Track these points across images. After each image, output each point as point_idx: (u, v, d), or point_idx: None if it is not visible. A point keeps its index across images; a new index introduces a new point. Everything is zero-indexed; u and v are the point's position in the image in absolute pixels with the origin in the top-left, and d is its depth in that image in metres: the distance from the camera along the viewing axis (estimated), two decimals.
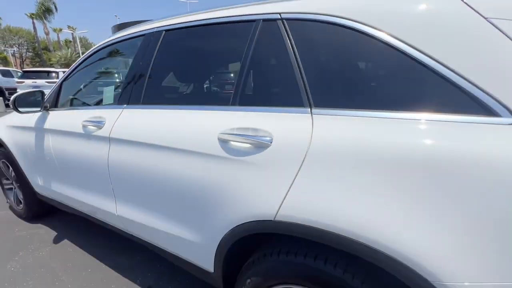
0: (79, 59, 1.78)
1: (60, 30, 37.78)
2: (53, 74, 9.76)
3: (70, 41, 40.25)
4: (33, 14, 31.57)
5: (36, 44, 38.31)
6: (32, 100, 1.79)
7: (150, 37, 1.37)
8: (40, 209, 2.36)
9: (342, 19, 0.85)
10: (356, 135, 0.77)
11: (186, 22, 1.26)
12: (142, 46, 1.40)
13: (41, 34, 36.81)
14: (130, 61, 1.50)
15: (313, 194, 0.80)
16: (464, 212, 0.62)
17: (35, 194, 2.21)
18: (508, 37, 0.64)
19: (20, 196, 2.35)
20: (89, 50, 1.71)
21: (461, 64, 0.68)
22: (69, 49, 29.26)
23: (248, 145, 0.93)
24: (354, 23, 0.83)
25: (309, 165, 0.81)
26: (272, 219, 0.86)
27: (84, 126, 1.49)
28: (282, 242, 0.95)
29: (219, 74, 1.93)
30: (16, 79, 10.38)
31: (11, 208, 2.57)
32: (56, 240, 2.12)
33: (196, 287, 1.63)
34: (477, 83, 0.65)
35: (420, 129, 0.71)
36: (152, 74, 1.33)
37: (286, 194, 0.84)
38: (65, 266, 1.81)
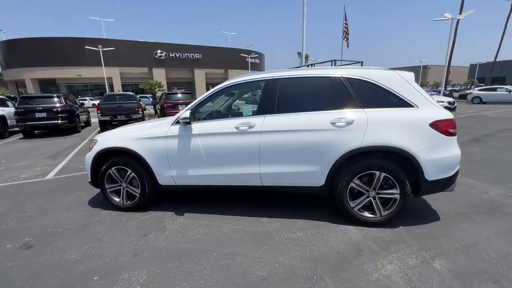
0: (208, 92, 3.00)
1: None
2: None
3: None
4: None
5: None
6: None
7: (270, 81, 2.82)
8: (154, 199, 3.22)
9: (362, 77, 2.62)
10: (382, 115, 2.51)
11: (293, 75, 2.81)
12: (267, 85, 2.83)
13: None
14: (245, 93, 2.89)
15: (373, 135, 2.48)
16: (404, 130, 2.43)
17: (156, 187, 3.12)
18: (409, 83, 2.52)
19: (137, 192, 3.15)
20: (217, 88, 2.97)
21: (399, 90, 2.52)
22: None
23: (343, 123, 2.55)
24: (367, 79, 2.60)
25: (368, 126, 2.50)
26: (359, 147, 2.49)
27: (237, 128, 2.77)
28: (360, 158, 2.58)
29: (316, 96, 2.92)
30: None
31: (116, 205, 3.25)
32: (179, 213, 3.09)
33: (297, 212, 3.03)
34: (404, 96, 2.50)
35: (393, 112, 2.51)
36: (279, 96, 2.78)
37: (363, 137, 2.49)
38: (205, 221, 2.90)
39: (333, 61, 10.03)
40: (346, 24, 22.26)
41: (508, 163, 4.79)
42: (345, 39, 22.05)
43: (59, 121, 9.69)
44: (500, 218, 2.77)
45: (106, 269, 2.16)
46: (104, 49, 25.08)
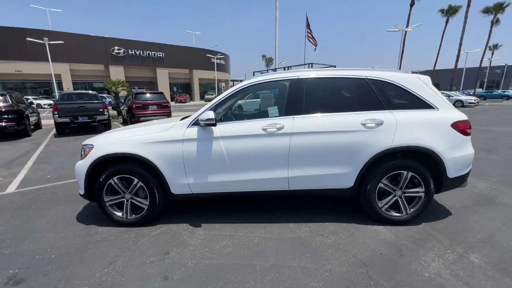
0: (225, 93, 2.76)
1: None
2: None
3: None
4: None
5: None
6: None
7: (295, 81, 2.72)
8: (161, 211, 2.85)
9: (387, 80, 2.68)
10: (409, 116, 2.58)
11: (318, 76, 2.74)
12: (292, 84, 2.71)
13: None
14: (264, 92, 2.74)
15: (402, 136, 2.53)
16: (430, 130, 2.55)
17: (167, 197, 2.77)
18: (428, 86, 2.65)
19: (145, 203, 2.76)
20: (238, 87, 2.75)
21: (421, 92, 2.63)
22: None
23: (374, 124, 2.56)
24: (392, 81, 2.67)
25: (397, 127, 2.55)
26: (390, 147, 2.53)
27: (264, 129, 2.59)
28: (389, 158, 2.61)
29: (343, 97, 2.90)
30: None
31: (116, 221, 2.80)
32: (195, 224, 2.79)
33: (320, 215, 2.96)
34: (426, 98, 2.62)
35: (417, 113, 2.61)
36: (306, 97, 2.68)
37: (393, 138, 2.53)
38: (228, 232, 2.67)
39: (310, 64, 10.35)
40: (309, 31, 23.20)
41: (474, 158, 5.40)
42: (314, 44, 22.93)
43: (4, 124, 8.25)
44: (498, 209, 3.07)
45: None
46: (51, 42, 22.21)
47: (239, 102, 3.16)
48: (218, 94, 33.22)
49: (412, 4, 30.08)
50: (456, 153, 2.63)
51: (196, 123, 2.67)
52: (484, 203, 3.26)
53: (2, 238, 2.63)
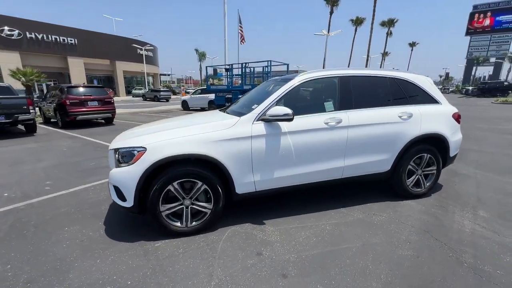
0: (286, 88, 2.76)
1: None
2: None
3: None
4: None
5: None
6: None
7: (344, 78, 2.98)
8: (222, 213, 2.67)
9: (409, 80, 3.26)
10: (427, 109, 3.20)
11: (360, 73, 3.08)
12: (342, 81, 2.95)
13: None
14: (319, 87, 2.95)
15: (426, 125, 3.14)
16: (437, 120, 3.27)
17: (230, 197, 2.63)
18: (433, 85, 3.38)
19: (208, 207, 2.53)
20: (293, 83, 2.80)
21: (430, 90, 3.32)
22: None
23: (406, 116, 3.07)
24: (413, 81, 3.26)
25: (422, 119, 3.13)
26: (418, 135, 3.09)
27: (326, 123, 2.75)
28: (416, 144, 3.18)
29: (379, 93, 3.22)
30: None
31: (175, 231, 2.48)
32: (257, 222, 2.75)
33: (357, 198, 3.34)
34: (433, 95, 3.33)
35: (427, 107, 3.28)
36: (354, 93, 2.97)
37: (420, 127, 3.11)
38: (295, 224, 2.76)
39: (269, 61, 10.76)
40: (241, 27, 23.85)
41: None
42: (242, 41, 23.60)
43: None
44: (465, 178, 4.11)
45: None
46: None
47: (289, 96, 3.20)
48: (150, 89, 29.87)
49: (331, 12, 34.53)
50: (455, 137, 3.42)
51: (261, 118, 2.61)
52: (452, 175, 4.29)
53: (31, 277, 1.98)
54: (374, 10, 34.05)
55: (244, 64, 11.44)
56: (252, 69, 12.15)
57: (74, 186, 3.91)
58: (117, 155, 2.45)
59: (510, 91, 29.27)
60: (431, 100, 3.36)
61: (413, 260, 2.17)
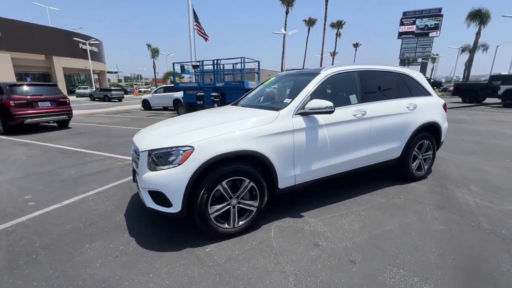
0: (316, 82, 2.80)
1: None
2: None
3: None
4: None
5: None
6: None
7: (363, 72, 3.17)
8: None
9: (409, 74, 3.64)
10: (425, 101, 3.61)
11: (373, 68, 3.30)
12: (361, 75, 3.12)
13: None
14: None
15: (427, 115, 3.53)
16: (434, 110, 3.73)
17: (273, 193, 2.59)
18: (425, 80, 3.82)
19: (254, 205, 2.44)
20: (321, 78, 2.86)
21: (424, 84, 3.75)
22: None
23: (412, 107, 3.41)
24: (412, 76, 3.65)
25: (423, 109, 3.52)
26: (422, 124, 3.47)
27: (354, 115, 2.89)
28: (419, 132, 3.55)
29: (388, 87, 3.45)
30: None
31: (222, 233, 2.35)
32: (295, 215, 2.78)
33: (370, 185, 3.59)
34: (427, 88, 3.77)
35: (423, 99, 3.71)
36: (371, 86, 3.17)
37: (423, 117, 3.49)
38: (330, 214, 2.87)
39: (242, 58, 10.68)
40: (196, 24, 22.97)
41: None
42: (205, 39, 22.86)
43: None
44: (446, 161, 4.74)
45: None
46: None
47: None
48: (99, 88, 26.88)
49: (287, 12, 35.78)
50: (445, 124, 3.92)
51: (299, 112, 2.62)
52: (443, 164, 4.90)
53: None
54: (326, 12, 36.58)
55: (216, 61, 11.13)
56: (223, 66, 11.90)
57: (65, 198, 3.36)
58: (151, 157, 2.20)
59: (435, 87, 34.51)
60: (426, 92, 3.79)
61: (448, 232, 2.45)
